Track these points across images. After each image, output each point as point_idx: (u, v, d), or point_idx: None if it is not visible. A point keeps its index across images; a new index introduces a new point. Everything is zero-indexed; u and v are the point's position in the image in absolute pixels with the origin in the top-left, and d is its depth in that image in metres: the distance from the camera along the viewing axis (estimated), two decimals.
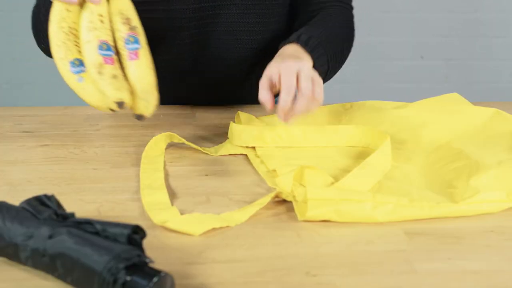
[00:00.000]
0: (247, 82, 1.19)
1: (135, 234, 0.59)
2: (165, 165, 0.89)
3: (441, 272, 0.65)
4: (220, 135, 1.00)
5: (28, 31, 1.04)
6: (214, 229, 0.72)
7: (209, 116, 1.09)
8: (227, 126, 1.00)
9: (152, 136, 0.97)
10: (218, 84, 1.18)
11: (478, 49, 2.76)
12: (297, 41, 0.97)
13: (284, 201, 0.79)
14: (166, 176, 0.86)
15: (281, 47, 0.98)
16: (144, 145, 0.93)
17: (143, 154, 0.90)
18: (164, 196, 0.79)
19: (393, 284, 0.63)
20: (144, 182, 0.82)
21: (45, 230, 0.60)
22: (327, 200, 0.74)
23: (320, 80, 0.89)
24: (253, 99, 1.22)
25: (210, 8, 1.07)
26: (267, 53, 1.18)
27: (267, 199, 0.77)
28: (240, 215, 0.74)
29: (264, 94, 0.88)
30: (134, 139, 0.97)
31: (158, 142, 0.93)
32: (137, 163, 0.89)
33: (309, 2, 1.13)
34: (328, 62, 1.01)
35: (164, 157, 0.91)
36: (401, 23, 2.68)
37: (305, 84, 0.86)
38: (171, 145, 0.96)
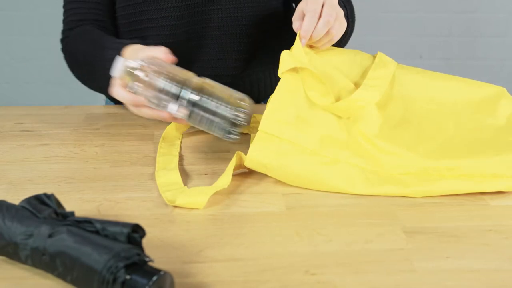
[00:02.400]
0: (247, 78, 1.19)
1: (135, 233, 0.60)
2: (180, 150, 0.93)
3: (440, 271, 0.65)
4: None
5: (28, 31, 1.05)
6: (214, 227, 0.72)
7: None
8: None
9: (152, 135, 0.98)
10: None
11: (477, 48, 2.76)
12: None
13: (284, 200, 0.79)
14: (181, 159, 0.90)
15: None
16: (144, 144, 0.94)
17: (160, 140, 0.94)
18: (177, 176, 0.83)
19: (392, 283, 0.63)
20: (159, 165, 0.87)
21: (45, 229, 0.60)
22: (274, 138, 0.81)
23: (341, 13, 0.90)
24: (253, 98, 1.23)
25: (202, 4, 1.08)
26: (264, 50, 1.19)
27: (235, 159, 0.83)
28: (224, 178, 0.81)
29: (296, 25, 0.89)
30: (133, 138, 0.97)
31: (174, 130, 0.98)
32: (136, 162, 0.89)
33: None
34: (348, 16, 1.02)
35: (181, 142, 0.96)
36: (400, 23, 2.68)
37: (327, 11, 0.88)
38: (184, 132, 1.00)
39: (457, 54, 2.77)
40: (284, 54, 0.85)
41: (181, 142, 0.96)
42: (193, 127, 0.98)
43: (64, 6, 1.14)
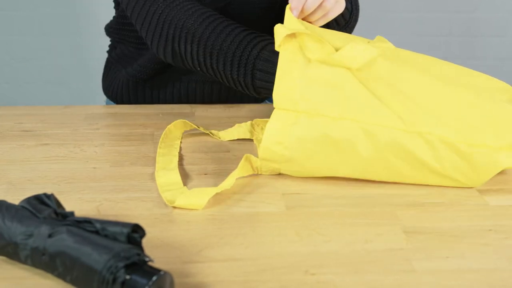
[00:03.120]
0: None
1: (135, 233, 0.60)
2: (180, 150, 0.93)
3: (439, 271, 0.65)
4: (221, 131, 1.00)
5: (27, 31, 1.04)
6: (213, 227, 0.72)
7: (208, 115, 1.09)
8: (226, 124, 1.01)
9: (152, 135, 0.98)
10: (216, 83, 1.18)
11: (477, 48, 2.76)
12: None
13: (284, 200, 0.79)
14: (181, 159, 0.90)
15: None
16: (144, 144, 0.94)
17: (160, 140, 0.94)
18: (177, 176, 0.83)
19: (392, 283, 0.63)
20: (159, 165, 0.87)
21: (44, 229, 0.60)
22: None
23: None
24: (251, 98, 1.23)
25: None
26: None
27: (244, 162, 0.84)
28: (228, 180, 0.80)
29: (295, 2, 0.87)
30: (133, 138, 0.97)
31: (174, 130, 0.98)
32: (136, 162, 0.89)
33: None
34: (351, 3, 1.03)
35: (181, 142, 0.96)
36: (400, 22, 2.69)
37: None
38: (184, 132, 1.00)
39: (457, 54, 2.77)
40: (277, 26, 0.82)
41: (181, 142, 0.96)
42: (193, 128, 0.98)
43: None
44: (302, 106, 0.80)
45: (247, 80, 0.95)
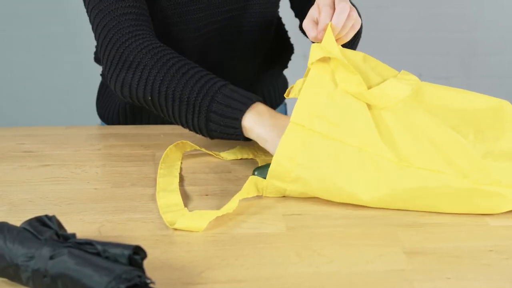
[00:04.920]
0: (264, 82, 1.21)
1: (136, 255, 0.60)
2: (181, 170, 0.93)
3: None
4: (222, 151, 1.00)
5: (28, 49, 1.04)
6: (215, 248, 0.72)
7: None
8: (227, 145, 1.01)
9: (153, 155, 0.98)
10: None
11: (476, 67, 2.77)
12: None
13: (285, 221, 0.79)
14: (181, 180, 0.90)
15: None
16: (145, 165, 0.94)
17: (160, 161, 0.94)
18: (177, 198, 0.83)
19: None
20: (160, 186, 0.87)
21: (46, 251, 0.61)
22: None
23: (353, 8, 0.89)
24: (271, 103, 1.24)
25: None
26: (267, 56, 1.20)
27: (248, 184, 0.83)
28: (231, 204, 0.80)
29: (311, 33, 0.88)
30: (135, 159, 0.98)
31: (174, 151, 0.98)
32: (138, 182, 0.89)
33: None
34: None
35: (181, 163, 0.96)
36: (399, 42, 2.70)
37: (340, 3, 0.87)
38: (185, 153, 1.00)
39: (456, 73, 2.78)
40: (314, 46, 0.84)
41: (181, 163, 0.96)
42: (194, 149, 0.99)
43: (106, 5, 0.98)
44: (318, 127, 0.81)
45: (201, 122, 0.91)
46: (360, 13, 1.04)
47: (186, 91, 0.90)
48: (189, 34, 1.08)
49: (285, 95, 0.92)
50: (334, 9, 0.88)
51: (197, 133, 0.94)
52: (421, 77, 2.83)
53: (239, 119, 0.88)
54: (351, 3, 1.01)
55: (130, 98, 0.96)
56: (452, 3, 2.67)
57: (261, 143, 0.88)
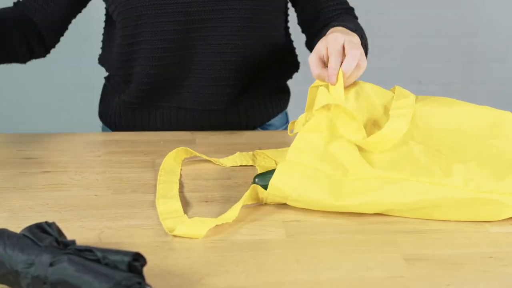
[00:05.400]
0: (241, 105, 1.19)
1: (136, 262, 0.60)
2: (180, 177, 0.93)
3: None
4: (222, 158, 1.00)
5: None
6: (214, 254, 0.72)
7: (209, 142, 1.09)
8: (227, 151, 1.01)
9: (153, 162, 0.98)
10: (208, 111, 1.17)
11: (477, 73, 2.77)
12: (340, 25, 0.99)
13: (284, 227, 0.79)
14: (181, 187, 0.90)
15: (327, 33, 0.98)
16: (145, 171, 0.95)
17: (160, 167, 0.94)
18: (177, 204, 0.84)
19: None
20: (160, 192, 0.87)
21: (46, 258, 0.61)
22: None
23: (361, 48, 0.90)
24: (248, 125, 1.23)
25: (198, 30, 1.09)
26: (259, 78, 1.19)
27: (250, 193, 0.83)
28: (231, 212, 0.80)
29: (314, 70, 0.90)
30: (135, 165, 0.98)
31: (174, 157, 0.98)
32: (137, 189, 0.89)
33: (317, 17, 1.15)
34: (365, 46, 1.03)
35: (181, 169, 0.96)
36: (399, 48, 2.70)
37: (351, 51, 0.88)
38: (185, 159, 1.00)
39: (456, 79, 2.78)
40: (322, 91, 0.85)
41: (181, 169, 0.96)
42: (193, 155, 0.99)
43: None
44: (315, 164, 0.83)
45: None
46: (363, 29, 1.05)
47: None
48: (166, 27, 1.09)
49: (288, 133, 0.94)
50: (344, 55, 0.88)
51: None
52: (422, 84, 2.84)
53: None
54: (361, 35, 1.01)
55: None
56: (453, 10, 2.67)
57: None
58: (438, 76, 2.77)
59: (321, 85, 0.89)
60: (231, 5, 1.09)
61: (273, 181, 0.82)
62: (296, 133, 0.93)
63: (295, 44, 1.29)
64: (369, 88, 0.92)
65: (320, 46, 0.91)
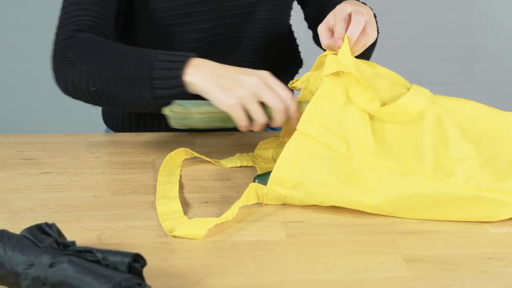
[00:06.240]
0: None
1: (136, 263, 0.60)
2: (180, 178, 0.93)
3: None
4: (222, 159, 1.00)
5: (29, 58, 1.05)
6: (214, 255, 0.72)
7: (209, 143, 1.09)
8: (227, 152, 1.01)
9: (153, 163, 0.98)
10: None
11: (476, 73, 2.78)
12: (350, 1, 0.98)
13: (284, 228, 0.79)
14: (181, 188, 0.90)
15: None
16: (145, 172, 0.95)
17: (160, 168, 0.94)
18: (177, 205, 0.83)
19: None
20: (159, 193, 0.87)
21: (46, 259, 0.61)
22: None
23: (370, 13, 0.90)
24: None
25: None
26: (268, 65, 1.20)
27: (249, 191, 0.83)
28: (230, 211, 0.80)
29: (324, 41, 0.90)
30: (134, 166, 0.98)
31: (174, 158, 0.98)
32: (137, 190, 0.89)
33: (324, 9, 1.15)
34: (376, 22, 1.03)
35: (181, 170, 0.95)
36: (399, 48, 2.70)
37: (356, 16, 0.88)
38: (185, 160, 1.00)
39: (456, 79, 2.78)
40: (330, 58, 0.85)
41: (181, 170, 0.96)
42: (193, 156, 0.99)
43: (65, 10, 1.03)
44: (324, 137, 0.82)
45: (147, 93, 0.91)
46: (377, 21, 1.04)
47: (124, 69, 0.91)
48: (194, 35, 1.09)
49: (289, 85, 0.93)
50: (349, 21, 0.88)
51: (147, 109, 0.93)
52: (421, 83, 2.84)
53: (179, 77, 0.89)
54: (372, 11, 1.00)
55: (76, 94, 0.97)
56: (452, 9, 2.67)
57: (203, 95, 0.89)
58: (438, 76, 2.77)
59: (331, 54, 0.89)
60: (256, 6, 1.10)
61: (284, 155, 0.81)
62: (300, 89, 0.93)
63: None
64: (384, 72, 0.91)
65: (330, 16, 0.92)
